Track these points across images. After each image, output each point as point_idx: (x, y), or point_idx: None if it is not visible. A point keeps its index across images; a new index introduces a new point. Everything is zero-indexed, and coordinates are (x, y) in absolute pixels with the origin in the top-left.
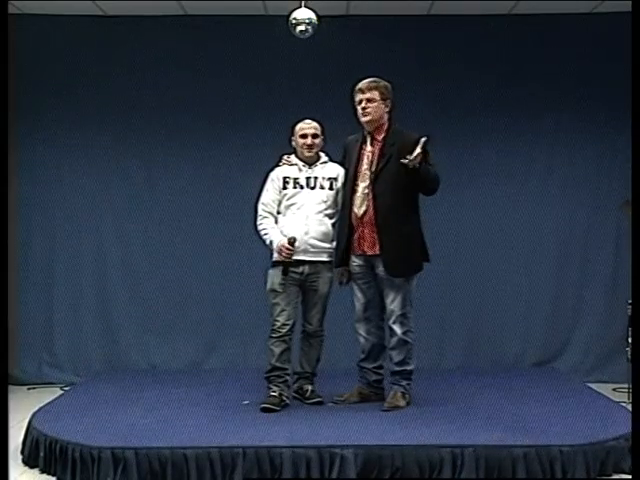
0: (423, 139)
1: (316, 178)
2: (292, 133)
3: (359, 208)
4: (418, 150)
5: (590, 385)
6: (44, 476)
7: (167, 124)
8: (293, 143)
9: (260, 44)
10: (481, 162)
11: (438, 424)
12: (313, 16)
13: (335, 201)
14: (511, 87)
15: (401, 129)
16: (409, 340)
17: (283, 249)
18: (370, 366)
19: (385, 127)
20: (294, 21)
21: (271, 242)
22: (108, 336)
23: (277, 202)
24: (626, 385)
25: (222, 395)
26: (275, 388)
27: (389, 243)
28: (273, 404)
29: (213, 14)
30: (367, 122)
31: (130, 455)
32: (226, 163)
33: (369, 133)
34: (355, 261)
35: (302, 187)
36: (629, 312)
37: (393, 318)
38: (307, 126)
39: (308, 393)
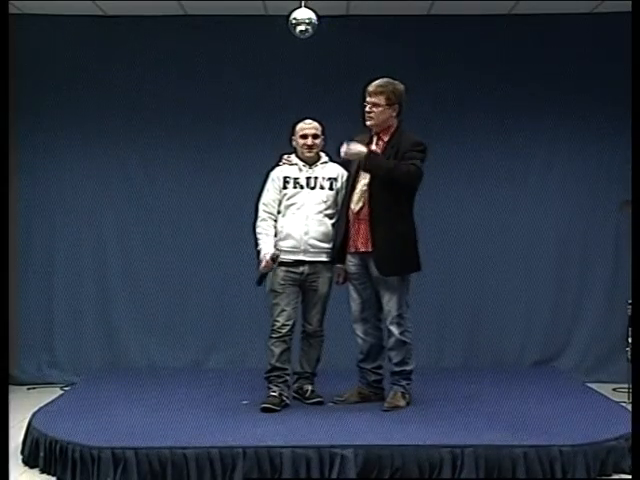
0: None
1: (316, 178)
2: (292, 133)
3: (356, 204)
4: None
5: (590, 385)
6: (44, 476)
7: (167, 124)
8: (293, 143)
9: (260, 44)
10: (481, 162)
11: (438, 424)
12: (313, 16)
13: (335, 201)
14: (511, 87)
15: (406, 131)
16: (407, 340)
17: (264, 262)
18: (369, 367)
19: (392, 129)
20: (294, 21)
21: (260, 250)
22: (108, 336)
23: (278, 202)
24: (626, 385)
25: (222, 395)
26: (275, 388)
27: (381, 240)
28: (273, 404)
29: (213, 14)
30: (370, 125)
31: (130, 455)
32: (226, 163)
33: (376, 133)
34: (351, 261)
35: (302, 187)
36: (629, 312)
37: (389, 319)
38: (308, 126)
39: (308, 393)
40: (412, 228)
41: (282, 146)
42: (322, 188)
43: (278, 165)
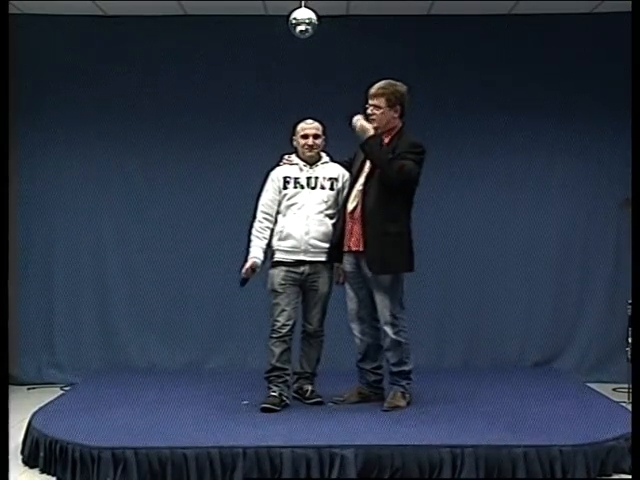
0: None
1: (317, 178)
2: (293, 133)
3: (351, 204)
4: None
5: (590, 385)
6: (44, 476)
7: (167, 124)
8: (294, 143)
9: (260, 44)
10: (480, 162)
11: (438, 424)
12: (313, 16)
13: (336, 201)
14: (511, 87)
15: (405, 133)
16: (402, 340)
17: (244, 269)
18: (368, 367)
19: (394, 131)
20: (294, 21)
21: (247, 254)
22: (108, 336)
23: (276, 202)
24: (626, 385)
25: (222, 395)
26: (275, 388)
27: (371, 239)
28: (273, 404)
29: (213, 14)
30: (373, 128)
31: (130, 455)
32: (226, 163)
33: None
34: (347, 260)
35: (302, 187)
36: (629, 312)
37: (383, 320)
38: (308, 126)
39: (308, 393)
40: (405, 229)
41: (282, 146)
42: (323, 188)
43: (279, 165)
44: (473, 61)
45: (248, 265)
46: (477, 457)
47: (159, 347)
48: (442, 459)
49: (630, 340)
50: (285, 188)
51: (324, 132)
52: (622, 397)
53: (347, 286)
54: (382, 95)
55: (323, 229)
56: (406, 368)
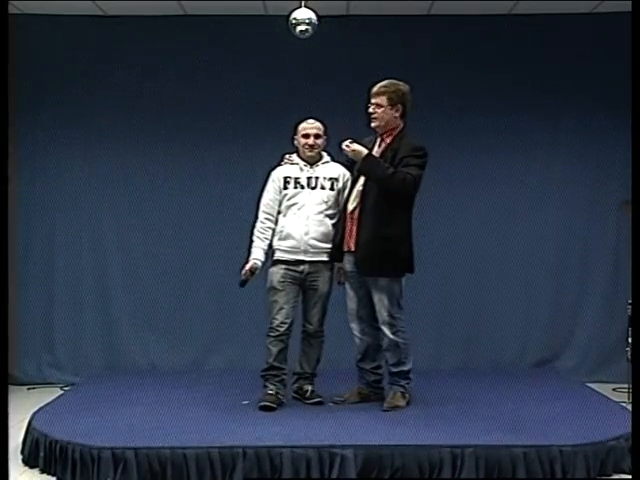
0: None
1: (317, 178)
2: (294, 132)
3: (351, 204)
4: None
5: (590, 385)
6: (44, 476)
7: (167, 124)
8: (295, 142)
9: (260, 44)
10: (480, 162)
11: (438, 424)
12: (313, 16)
13: (336, 201)
14: (511, 87)
15: (407, 135)
16: (400, 340)
17: (244, 271)
18: (368, 367)
19: (396, 131)
20: (294, 21)
21: (249, 255)
22: (108, 336)
23: (277, 202)
24: (626, 385)
25: (222, 395)
26: (271, 386)
27: (364, 240)
28: (271, 402)
29: (213, 14)
30: (374, 127)
31: (130, 455)
32: (226, 163)
33: (380, 135)
34: (347, 259)
35: (303, 187)
36: (629, 312)
37: (381, 320)
38: (309, 126)
39: (308, 393)
40: (402, 233)
41: (283, 146)
42: (323, 188)
43: (279, 165)
44: (473, 61)
45: (248, 267)
46: (477, 457)
47: (159, 347)
48: (442, 459)
49: (630, 340)
50: (285, 188)
51: (325, 132)
52: (622, 397)
53: (347, 285)
54: (384, 94)
55: (323, 229)
56: (405, 368)
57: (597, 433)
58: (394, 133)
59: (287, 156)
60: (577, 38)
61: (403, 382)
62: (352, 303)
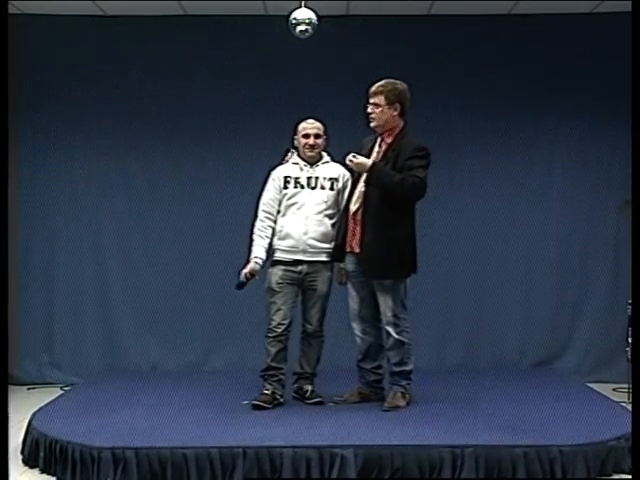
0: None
1: (317, 178)
2: (294, 132)
3: (354, 205)
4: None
5: (590, 385)
6: (44, 476)
7: (167, 123)
8: (295, 142)
9: (260, 44)
10: (480, 162)
11: (438, 424)
12: (313, 16)
13: (336, 201)
14: (511, 87)
15: (408, 134)
16: (405, 340)
17: (243, 274)
18: (369, 366)
19: (396, 131)
20: (294, 21)
21: (249, 254)
22: (108, 336)
23: (277, 201)
24: (626, 385)
25: (222, 395)
26: (268, 386)
27: (368, 243)
28: (264, 402)
29: (213, 14)
30: (374, 127)
31: (130, 455)
32: (226, 164)
33: (380, 135)
34: (349, 260)
35: (303, 187)
36: (629, 312)
37: (385, 320)
38: (310, 126)
39: (308, 393)
40: (406, 234)
41: (283, 146)
42: (323, 188)
43: (284, 158)
44: (473, 61)
45: (247, 270)
46: (477, 457)
47: (159, 348)
48: (442, 459)
49: (630, 340)
50: (285, 188)
51: (325, 132)
52: (622, 397)
53: (349, 285)
54: (381, 93)
55: (322, 229)
56: (407, 368)
57: (597, 433)
58: (394, 132)
59: (292, 150)
60: (577, 38)
61: (404, 382)
62: (354, 303)
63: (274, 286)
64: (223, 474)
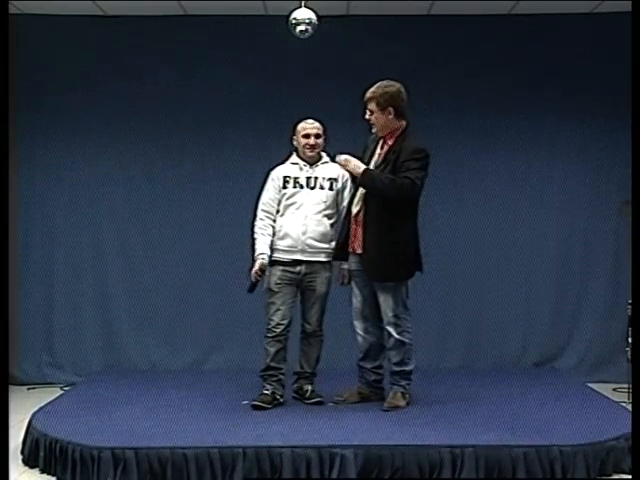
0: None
1: (316, 178)
2: (294, 132)
3: (355, 207)
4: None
5: (590, 385)
6: (44, 476)
7: (167, 124)
8: (295, 142)
9: (260, 44)
10: (481, 162)
11: (438, 424)
12: (313, 16)
13: (335, 201)
14: (511, 87)
15: (409, 136)
16: (406, 340)
17: (253, 272)
18: (369, 366)
19: (397, 132)
20: (294, 21)
21: (255, 250)
22: (108, 336)
23: (276, 201)
24: (626, 385)
25: (222, 395)
26: (268, 387)
27: (371, 245)
28: (264, 402)
29: (213, 14)
30: (375, 132)
31: (130, 455)
32: (226, 163)
33: (382, 137)
34: (352, 259)
35: (302, 187)
36: (629, 312)
37: (386, 320)
38: (310, 126)
39: (308, 393)
40: (407, 236)
41: (283, 146)
42: (322, 188)
43: (289, 157)
44: (473, 61)
45: (257, 267)
46: (477, 457)
47: (159, 348)
48: (442, 459)
49: (630, 340)
50: (285, 187)
51: (325, 132)
52: (622, 397)
53: (353, 283)
54: (372, 99)
55: (321, 229)
56: (407, 368)
57: (597, 433)
58: (395, 134)
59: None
60: (577, 38)
61: (404, 382)
62: (357, 301)
63: (273, 286)
64: (223, 474)
